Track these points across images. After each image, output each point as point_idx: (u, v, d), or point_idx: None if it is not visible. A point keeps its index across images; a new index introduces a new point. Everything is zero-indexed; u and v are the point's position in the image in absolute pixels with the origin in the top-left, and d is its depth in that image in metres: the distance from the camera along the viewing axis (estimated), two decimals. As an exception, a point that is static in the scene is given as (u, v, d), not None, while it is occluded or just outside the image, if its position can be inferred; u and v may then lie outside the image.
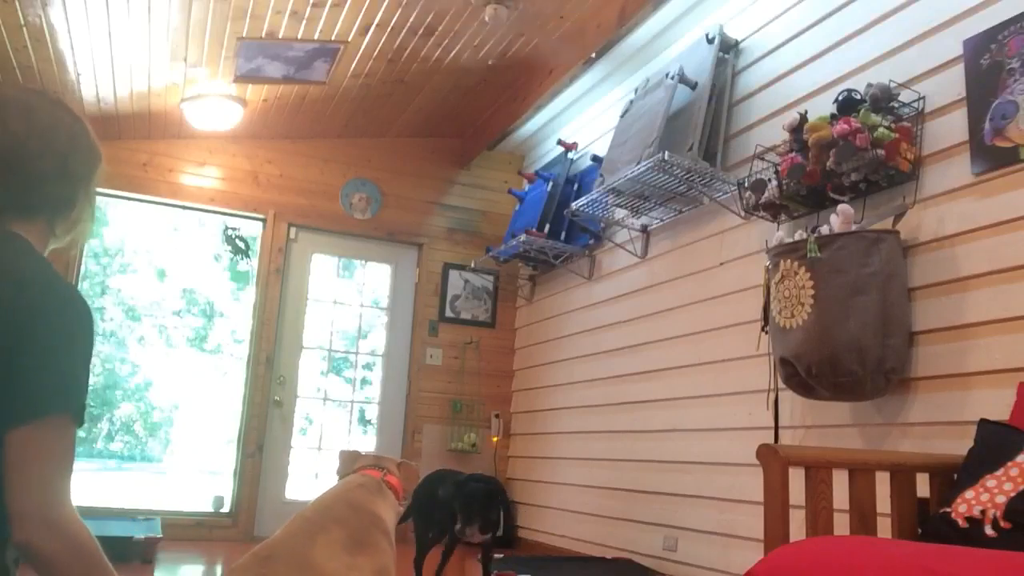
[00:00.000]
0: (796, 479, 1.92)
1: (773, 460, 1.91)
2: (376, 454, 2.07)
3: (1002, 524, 1.79)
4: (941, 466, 2.18)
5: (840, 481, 1.98)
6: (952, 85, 2.71)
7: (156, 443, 15.48)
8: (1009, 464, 1.91)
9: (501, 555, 4.06)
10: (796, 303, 2.74)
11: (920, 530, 2.08)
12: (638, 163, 3.76)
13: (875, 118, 2.75)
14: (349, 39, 4.28)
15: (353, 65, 4.59)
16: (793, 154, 3.01)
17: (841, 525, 1.96)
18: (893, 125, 2.77)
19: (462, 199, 6.04)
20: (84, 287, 10.45)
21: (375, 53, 4.46)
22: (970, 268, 2.57)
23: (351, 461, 2.02)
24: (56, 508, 1.15)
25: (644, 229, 4.41)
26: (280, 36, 4.18)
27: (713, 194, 3.77)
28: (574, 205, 4.45)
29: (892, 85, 2.83)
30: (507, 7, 3.95)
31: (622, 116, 4.38)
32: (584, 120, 5.27)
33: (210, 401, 13.65)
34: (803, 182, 2.96)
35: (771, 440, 3.17)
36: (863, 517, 2.01)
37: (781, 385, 3.01)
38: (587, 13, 4.20)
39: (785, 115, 3.35)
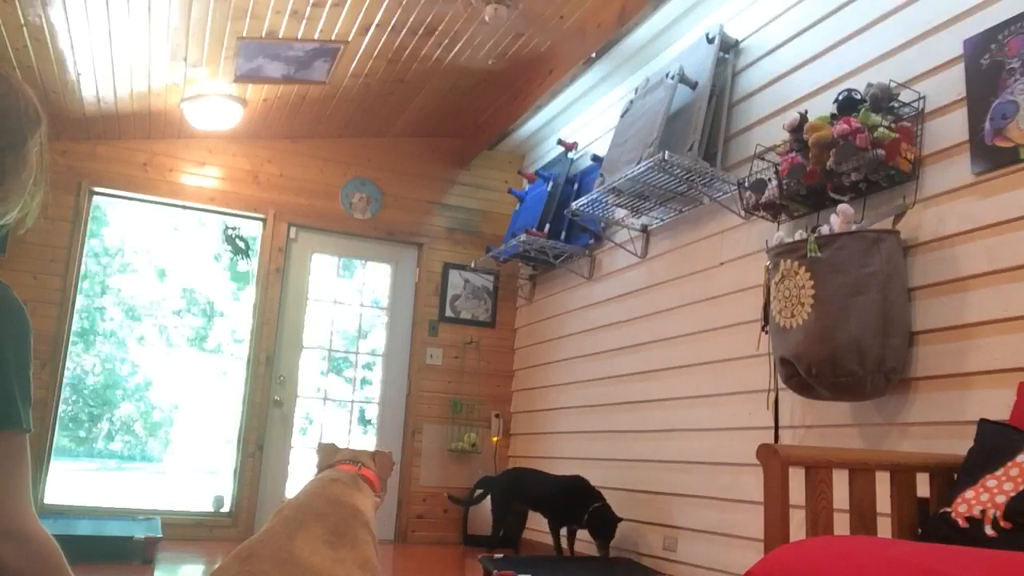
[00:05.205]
0: (796, 479, 1.92)
1: (773, 460, 1.91)
2: (353, 448, 2.09)
3: (1002, 524, 1.79)
4: (941, 466, 2.18)
5: (840, 481, 1.98)
6: (952, 85, 2.71)
7: (156, 443, 15.47)
8: (1009, 464, 1.91)
9: (501, 555, 4.06)
10: (796, 303, 2.74)
11: (920, 530, 2.08)
12: (638, 163, 3.76)
13: (875, 118, 2.75)
14: (349, 39, 4.28)
15: (353, 65, 4.59)
16: (793, 154, 3.01)
17: (841, 525, 1.96)
18: (893, 125, 2.77)
19: (462, 199, 6.04)
20: (84, 287, 10.46)
21: (375, 53, 4.46)
22: (970, 268, 2.57)
23: (330, 455, 2.04)
24: (18, 519, 1.11)
25: (644, 229, 4.41)
26: (280, 36, 4.18)
27: (713, 194, 3.77)
28: (574, 205, 4.45)
29: (892, 85, 2.83)
30: (507, 7, 3.95)
31: (622, 116, 4.38)
32: (584, 120, 5.27)
33: (210, 401, 13.64)
34: (803, 182, 2.96)
35: (771, 440, 3.17)
36: (863, 517, 2.01)
37: (781, 385, 3.01)
38: (587, 13, 4.20)
39: (785, 115, 3.35)
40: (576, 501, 4.09)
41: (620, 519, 4.01)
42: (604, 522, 3.99)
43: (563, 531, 4.35)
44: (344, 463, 1.96)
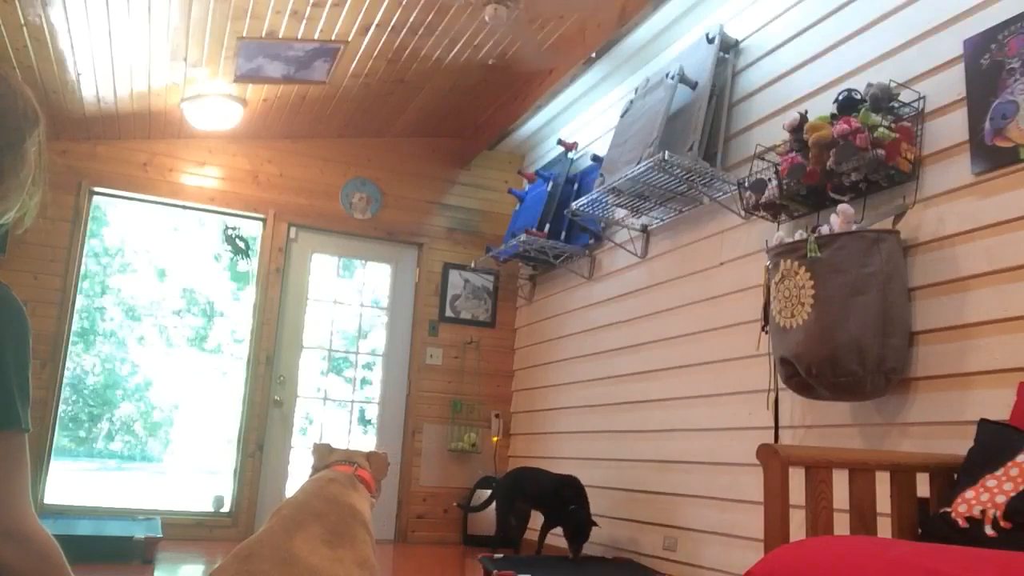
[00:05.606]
0: (796, 479, 1.92)
1: (773, 460, 1.91)
2: (347, 448, 2.10)
3: (1002, 524, 1.79)
4: (941, 466, 2.18)
5: (840, 481, 1.98)
6: (952, 85, 2.71)
7: (156, 443, 15.46)
8: (1009, 464, 1.91)
9: (501, 555, 4.06)
10: (796, 303, 2.74)
11: (920, 530, 2.08)
12: (638, 163, 3.76)
13: (875, 118, 2.75)
14: (349, 39, 4.28)
15: (353, 65, 4.59)
16: (793, 154, 3.01)
17: (841, 525, 1.96)
18: (893, 125, 2.77)
19: (462, 199, 6.04)
20: (84, 287, 10.45)
21: (375, 53, 4.46)
22: (970, 268, 2.57)
23: (325, 455, 2.06)
24: (17, 519, 1.11)
25: (644, 229, 4.41)
26: (280, 36, 4.18)
27: (713, 194, 3.77)
28: (574, 205, 4.45)
29: (892, 85, 2.83)
30: (507, 7, 3.95)
31: (622, 116, 4.38)
32: (584, 120, 5.27)
33: (210, 401, 13.64)
34: (803, 182, 2.96)
35: (771, 440, 3.17)
36: (863, 517, 2.01)
37: (781, 385, 3.01)
38: (587, 13, 4.20)
39: (785, 115, 3.35)
40: (561, 501, 4.10)
41: (594, 524, 4.02)
42: (576, 525, 3.99)
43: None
44: (340, 464, 1.97)
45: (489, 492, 4.88)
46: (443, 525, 5.58)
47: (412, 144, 5.95)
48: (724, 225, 3.76)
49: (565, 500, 4.07)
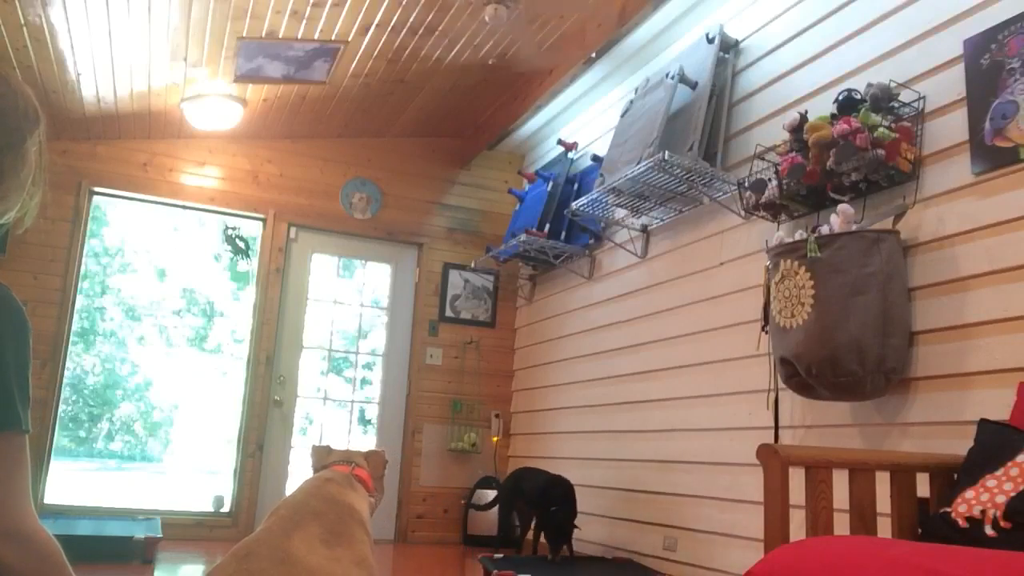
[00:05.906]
0: (796, 479, 1.92)
1: (773, 460, 1.91)
2: (346, 449, 2.12)
3: (1002, 524, 1.79)
4: (941, 466, 2.18)
5: (840, 481, 1.98)
6: (952, 85, 2.71)
7: (156, 443, 15.47)
8: (1009, 464, 1.91)
9: (501, 555, 4.06)
10: (796, 303, 2.74)
11: (920, 530, 2.08)
12: (638, 163, 3.76)
13: (875, 118, 2.75)
14: (349, 39, 4.28)
15: (353, 65, 4.59)
16: (793, 154, 3.01)
17: (841, 525, 1.96)
18: (893, 125, 2.77)
19: (462, 199, 6.04)
20: (84, 287, 10.45)
21: (375, 53, 4.46)
22: (970, 268, 2.57)
23: (323, 456, 2.07)
24: (18, 519, 1.11)
25: (644, 229, 4.41)
26: (280, 36, 4.19)
27: (713, 194, 3.77)
28: (574, 205, 4.45)
29: (892, 85, 2.83)
30: (507, 7, 3.95)
31: (622, 116, 4.38)
32: (584, 120, 5.27)
33: (210, 401, 13.64)
34: (803, 182, 2.96)
35: (771, 440, 3.17)
36: (863, 517, 2.01)
37: (781, 385, 3.01)
38: (587, 13, 4.20)
39: (785, 115, 3.35)
40: (547, 501, 4.09)
41: (575, 527, 4.02)
42: (556, 526, 3.98)
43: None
44: (338, 464, 1.99)
45: (490, 491, 4.89)
46: (443, 525, 5.58)
47: (412, 144, 5.95)
48: (724, 225, 3.76)
49: (550, 501, 4.06)
